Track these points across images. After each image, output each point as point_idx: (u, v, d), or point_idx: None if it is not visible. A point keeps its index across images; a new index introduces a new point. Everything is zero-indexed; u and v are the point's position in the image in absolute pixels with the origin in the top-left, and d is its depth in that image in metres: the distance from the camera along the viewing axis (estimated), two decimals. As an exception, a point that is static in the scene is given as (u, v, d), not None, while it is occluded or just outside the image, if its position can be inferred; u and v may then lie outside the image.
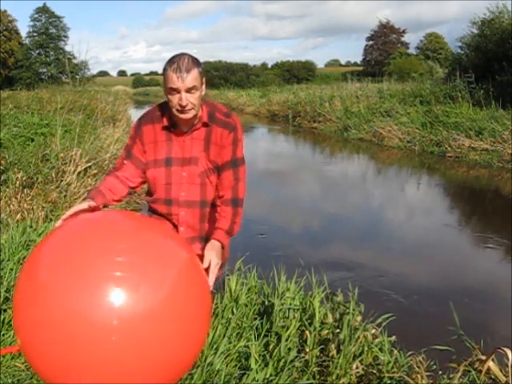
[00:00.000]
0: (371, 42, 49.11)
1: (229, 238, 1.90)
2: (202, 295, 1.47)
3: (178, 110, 1.80)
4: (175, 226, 1.99)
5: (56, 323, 1.24)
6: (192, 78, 1.75)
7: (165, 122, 1.90)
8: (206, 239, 1.93)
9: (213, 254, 1.75)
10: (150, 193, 2.03)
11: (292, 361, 2.00)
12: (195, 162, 1.91)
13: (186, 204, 1.94)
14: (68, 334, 1.23)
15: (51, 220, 4.18)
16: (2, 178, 4.82)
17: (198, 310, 1.43)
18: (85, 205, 1.71)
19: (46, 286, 1.29)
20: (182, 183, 1.92)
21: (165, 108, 1.91)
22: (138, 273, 1.30)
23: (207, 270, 1.67)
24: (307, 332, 2.15)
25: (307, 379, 1.97)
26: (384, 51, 46.24)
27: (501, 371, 1.89)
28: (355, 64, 65.02)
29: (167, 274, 1.36)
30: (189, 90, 1.77)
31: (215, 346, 1.98)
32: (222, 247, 1.85)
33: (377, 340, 2.16)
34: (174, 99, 1.78)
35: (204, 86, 1.85)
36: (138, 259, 1.33)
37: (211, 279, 1.67)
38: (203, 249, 1.82)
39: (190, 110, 1.80)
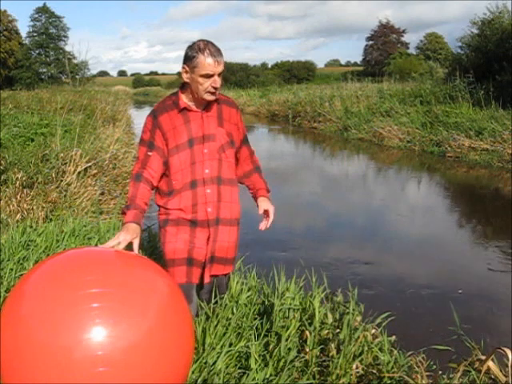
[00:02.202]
0: (371, 42, 49.08)
1: (268, 194, 2.21)
2: (184, 324, 1.48)
3: (210, 93, 1.92)
4: (202, 213, 2.02)
5: (38, 357, 1.23)
6: (223, 61, 1.89)
7: (181, 105, 1.99)
8: (221, 222, 2.07)
9: (269, 203, 2.15)
10: (168, 191, 2.04)
11: (292, 361, 1.99)
12: (213, 139, 2.03)
13: (211, 180, 2.03)
14: (50, 368, 1.22)
15: (51, 220, 4.17)
16: (2, 178, 4.82)
17: (181, 339, 1.43)
18: (128, 237, 1.73)
19: (27, 319, 1.29)
20: (205, 160, 2.02)
21: (174, 97, 2.02)
22: (118, 305, 1.31)
23: (266, 213, 2.12)
24: (307, 332, 2.15)
25: (307, 379, 1.96)
26: (384, 51, 46.20)
27: (501, 371, 1.89)
28: (355, 64, 65.04)
29: (148, 306, 1.38)
30: (220, 74, 1.90)
31: (215, 346, 1.98)
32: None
33: (377, 340, 2.16)
34: (207, 83, 1.89)
35: None
36: (119, 293, 1.34)
37: (271, 222, 2.12)
38: (220, 233, 2.05)
39: (218, 90, 1.94)
